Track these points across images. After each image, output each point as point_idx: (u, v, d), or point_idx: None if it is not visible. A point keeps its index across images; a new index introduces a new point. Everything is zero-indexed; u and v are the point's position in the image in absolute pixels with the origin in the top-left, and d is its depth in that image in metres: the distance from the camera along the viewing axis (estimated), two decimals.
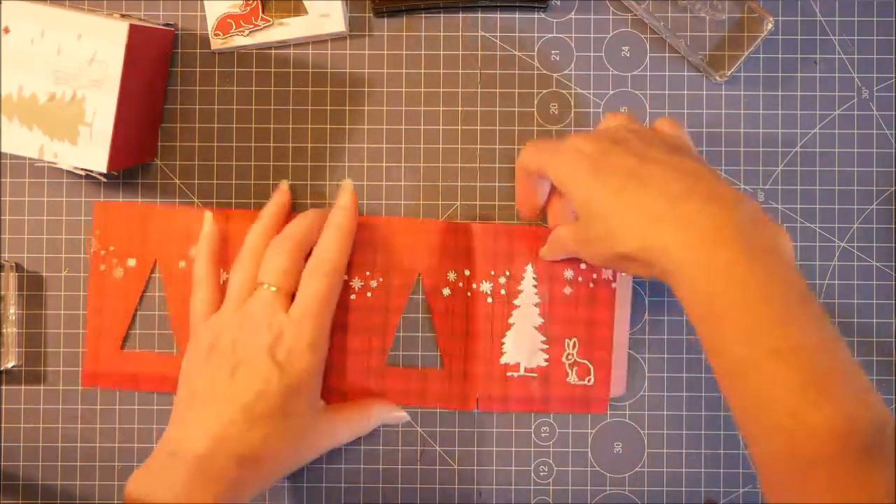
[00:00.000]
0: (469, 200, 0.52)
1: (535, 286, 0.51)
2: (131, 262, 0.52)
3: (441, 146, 0.53)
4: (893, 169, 0.52)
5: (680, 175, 0.41)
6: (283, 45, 0.52)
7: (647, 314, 0.52)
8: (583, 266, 0.51)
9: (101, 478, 0.52)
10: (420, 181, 0.53)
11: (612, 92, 0.53)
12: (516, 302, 0.51)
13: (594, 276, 0.51)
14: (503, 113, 0.52)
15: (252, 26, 0.51)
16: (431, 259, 0.51)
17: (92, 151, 0.46)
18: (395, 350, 0.52)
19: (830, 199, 0.52)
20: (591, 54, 0.53)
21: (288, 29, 0.51)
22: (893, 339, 0.52)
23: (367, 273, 0.51)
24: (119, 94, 0.45)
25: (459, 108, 0.52)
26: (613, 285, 0.51)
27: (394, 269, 0.51)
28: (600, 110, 0.52)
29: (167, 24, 0.52)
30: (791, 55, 0.52)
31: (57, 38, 0.45)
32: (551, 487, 0.52)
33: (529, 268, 0.51)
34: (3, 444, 0.52)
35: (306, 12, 0.51)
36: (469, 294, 0.51)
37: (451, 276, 0.51)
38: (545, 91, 0.53)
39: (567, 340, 0.51)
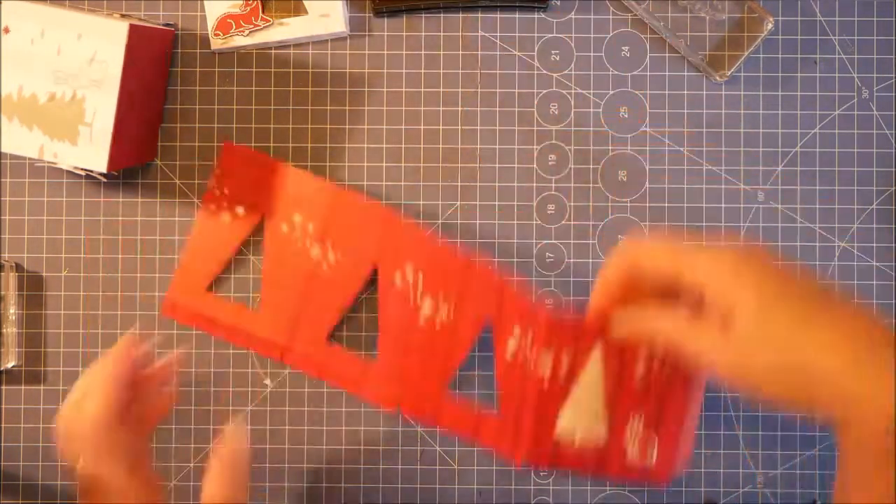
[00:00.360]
0: (469, 200, 0.52)
1: (601, 367, 0.49)
2: (240, 211, 0.51)
3: (441, 146, 0.53)
4: (893, 169, 0.52)
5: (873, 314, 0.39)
6: (283, 45, 0.52)
7: None
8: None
9: None
10: (420, 181, 0.52)
11: (612, 92, 0.52)
12: (580, 378, 0.49)
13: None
14: (503, 113, 0.52)
15: (252, 26, 0.51)
16: (501, 307, 0.50)
17: (92, 151, 0.46)
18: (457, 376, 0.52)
19: (830, 199, 0.52)
20: (591, 54, 0.52)
21: (288, 29, 0.51)
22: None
23: (441, 295, 0.50)
24: (119, 94, 0.45)
25: (459, 108, 0.52)
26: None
27: (467, 301, 0.50)
28: (600, 110, 0.52)
29: (167, 24, 0.52)
30: (791, 55, 0.52)
31: (57, 38, 0.45)
32: (551, 487, 0.52)
33: (597, 350, 0.49)
34: (3, 444, 0.52)
35: (306, 12, 0.51)
36: (530, 363, 0.49)
37: (516, 331, 0.50)
38: (545, 91, 0.53)
39: (633, 418, 0.49)
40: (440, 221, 0.52)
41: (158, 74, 0.51)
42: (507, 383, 0.50)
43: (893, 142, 0.52)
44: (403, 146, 0.53)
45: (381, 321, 0.51)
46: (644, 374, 0.49)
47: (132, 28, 0.45)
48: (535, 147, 0.53)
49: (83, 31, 0.45)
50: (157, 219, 0.53)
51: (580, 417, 0.49)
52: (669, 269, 0.41)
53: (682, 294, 0.42)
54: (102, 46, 0.45)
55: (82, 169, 0.46)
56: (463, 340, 0.50)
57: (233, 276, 0.52)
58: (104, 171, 0.46)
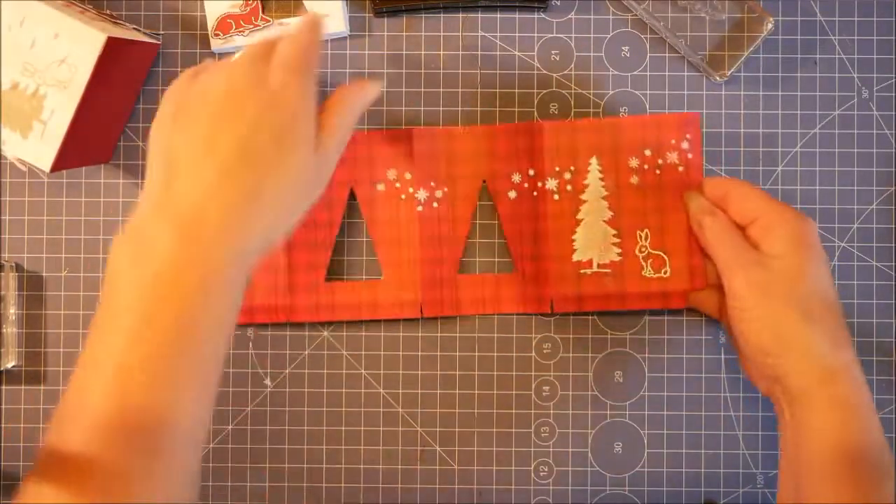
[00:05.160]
0: None
1: (601, 178, 0.48)
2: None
3: None
4: (893, 169, 0.51)
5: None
6: None
7: (647, 314, 0.52)
8: (647, 153, 0.49)
9: None
10: None
11: (611, 92, 0.52)
12: (583, 197, 0.49)
13: (659, 161, 0.49)
14: (503, 113, 0.51)
15: (252, 26, 0.50)
16: (495, 164, 0.49)
17: (40, 149, 0.44)
18: (468, 258, 0.50)
19: (830, 199, 0.51)
20: (591, 54, 0.51)
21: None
22: (893, 339, 0.51)
23: (432, 184, 0.49)
24: (80, 101, 0.43)
25: (459, 109, 0.52)
26: (680, 169, 0.49)
27: (458, 179, 0.49)
28: (600, 110, 0.52)
29: (155, 36, 0.51)
30: (791, 55, 0.51)
31: (35, 31, 0.43)
32: (551, 487, 0.51)
33: (594, 161, 0.49)
34: (3, 444, 0.51)
35: (306, 12, 0.51)
36: (535, 194, 0.49)
37: (516, 177, 0.49)
38: (545, 91, 0.52)
39: (639, 232, 0.49)
40: None
41: (130, 85, 0.49)
42: (516, 233, 0.49)
43: (893, 142, 0.51)
44: None
45: (374, 233, 0.50)
46: (639, 181, 0.49)
47: (110, 41, 0.43)
48: None
49: (61, 32, 0.42)
50: None
51: (591, 241, 0.49)
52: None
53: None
54: (76, 51, 0.43)
55: (26, 163, 0.45)
56: (463, 208, 0.50)
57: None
58: (48, 170, 0.44)
